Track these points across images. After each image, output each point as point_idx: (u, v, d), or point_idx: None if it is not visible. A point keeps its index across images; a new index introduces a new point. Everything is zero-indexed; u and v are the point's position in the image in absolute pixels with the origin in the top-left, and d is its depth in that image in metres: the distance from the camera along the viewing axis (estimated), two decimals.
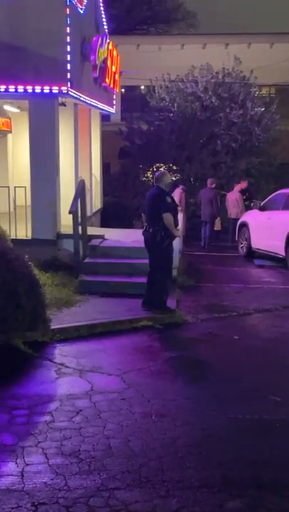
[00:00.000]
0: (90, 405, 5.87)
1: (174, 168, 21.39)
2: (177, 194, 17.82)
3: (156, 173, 9.65)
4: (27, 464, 4.72)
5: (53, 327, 7.99)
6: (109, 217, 16.51)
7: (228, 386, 6.57)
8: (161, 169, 20.22)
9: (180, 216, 15.14)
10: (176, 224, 9.13)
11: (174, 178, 21.10)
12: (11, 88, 11.07)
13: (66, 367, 6.95)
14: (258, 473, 4.71)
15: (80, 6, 11.71)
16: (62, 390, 6.31)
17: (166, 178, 9.52)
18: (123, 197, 20.00)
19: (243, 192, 17.80)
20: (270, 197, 15.22)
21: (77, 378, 6.63)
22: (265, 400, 6.18)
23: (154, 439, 5.20)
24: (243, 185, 17.94)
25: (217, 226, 17.72)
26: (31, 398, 6.03)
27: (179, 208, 17.12)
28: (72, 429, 5.33)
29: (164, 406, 5.92)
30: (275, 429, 5.52)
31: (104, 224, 16.15)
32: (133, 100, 27.86)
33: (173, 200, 9.53)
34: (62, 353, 7.47)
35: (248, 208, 16.85)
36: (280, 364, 7.46)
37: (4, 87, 11.06)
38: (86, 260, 11.08)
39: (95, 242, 11.72)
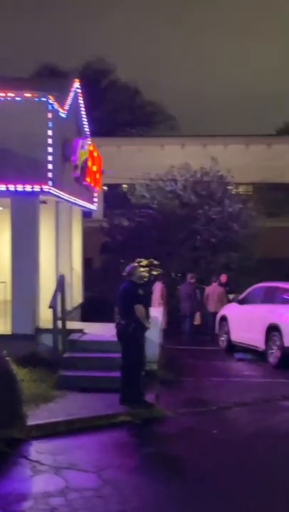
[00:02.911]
0: (65, 503, 5.73)
1: (155, 262, 21.70)
2: (158, 289, 18.02)
3: (127, 268, 9.82)
4: None
5: (29, 423, 7.87)
6: (91, 311, 16.59)
7: (206, 483, 6.46)
8: (142, 263, 20.56)
9: (161, 310, 15.30)
10: (147, 316, 9.29)
11: (155, 273, 21.39)
12: None
13: (42, 464, 6.82)
14: None
15: (62, 111, 12.31)
16: (37, 488, 6.19)
17: (137, 271, 9.80)
18: (104, 291, 20.13)
19: (223, 285, 18.06)
20: (248, 290, 15.39)
21: (52, 476, 6.50)
22: (243, 498, 6.07)
23: None
24: (223, 279, 18.24)
25: (197, 320, 17.72)
26: (5, 497, 5.88)
27: (160, 302, 17.42)
28: None
29: (142, 503, 5.81)
30: None
31: (85, 318, 16.18)
32: (115, 197, 28.57)
33: (145, 292, 9.72)
34: (38, 450, 7.33)
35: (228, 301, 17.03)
36: (258, 460, 7.35)
37: None
38: (65, 355, 11.04)
39: (74, 336, 11.71)
